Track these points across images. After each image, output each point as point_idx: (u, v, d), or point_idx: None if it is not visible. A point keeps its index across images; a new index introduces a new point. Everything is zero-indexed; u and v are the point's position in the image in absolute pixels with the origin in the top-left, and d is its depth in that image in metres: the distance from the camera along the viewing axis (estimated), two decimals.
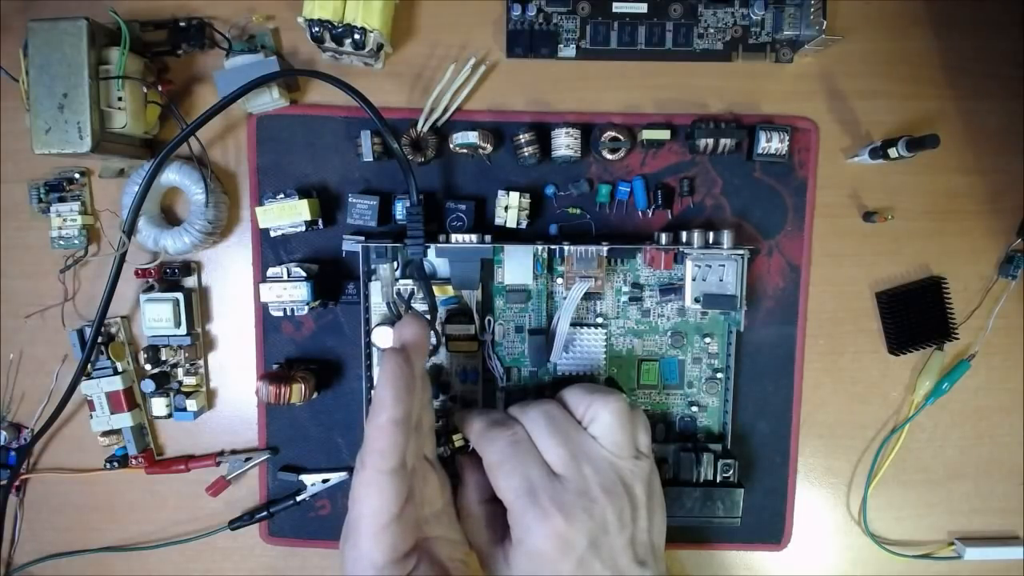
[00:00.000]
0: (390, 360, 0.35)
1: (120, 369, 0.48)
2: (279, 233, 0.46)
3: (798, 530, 0.50)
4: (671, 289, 0.47)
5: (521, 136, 0.45)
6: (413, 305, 0.45)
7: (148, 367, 0.48)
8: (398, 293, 0.45)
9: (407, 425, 0.35)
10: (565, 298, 0.45)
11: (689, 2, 0.47)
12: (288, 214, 0.45)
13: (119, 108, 0.43)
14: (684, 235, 0.46)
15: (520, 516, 0.36)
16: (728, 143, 0.46)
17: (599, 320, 0.47)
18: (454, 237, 0.45)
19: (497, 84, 0.48)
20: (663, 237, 0.46)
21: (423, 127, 0.46)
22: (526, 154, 0.46)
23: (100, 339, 0.47)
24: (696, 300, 0.44)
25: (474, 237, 0.44)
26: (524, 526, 0.36)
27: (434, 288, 0.45)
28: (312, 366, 0.48)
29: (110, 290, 0.45)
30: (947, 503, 0.51)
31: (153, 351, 0.48)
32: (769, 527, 0.50)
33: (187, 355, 0.48)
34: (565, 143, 0.45)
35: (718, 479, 0.46)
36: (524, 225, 0.47)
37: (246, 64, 0.44)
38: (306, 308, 0.45)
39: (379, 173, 0.48)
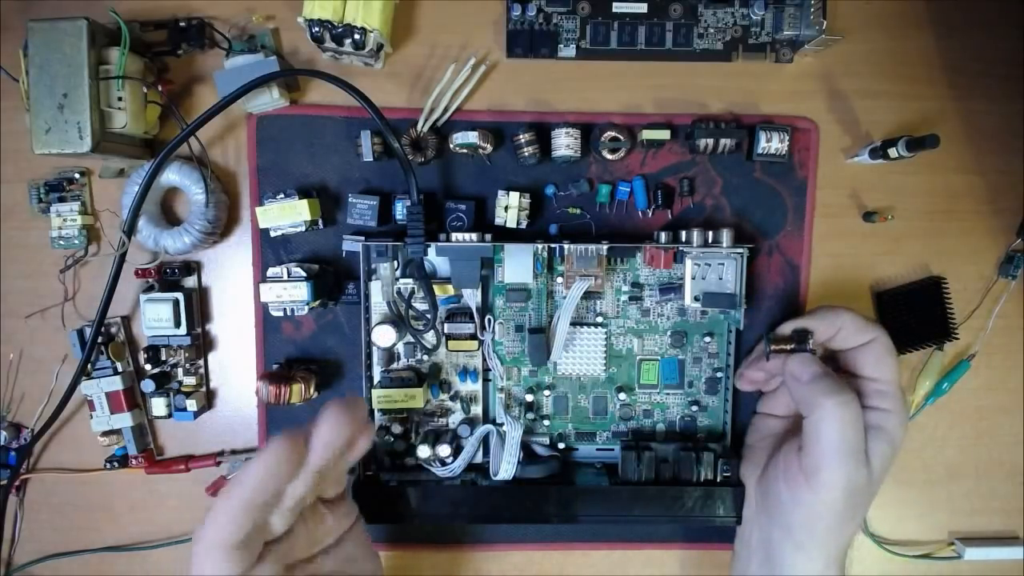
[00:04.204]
0: (275, 444, 0.33)
1: (120, 369, 0.48)
2: (279, 233, 0.46)
3: None
4: (671, 288, 0.47)
5: (521, 136, 0.45)
6: (414, 304, 0.45)
7: (148, 367, 0.48)
8: (398, 292, 0.45)
9: (262, 510, 0.33)
10: (565, 297, 0.45)
11: (689, 2, 0.47)
12: (288, 214, 0.45)
13: (119, 108, 0.43)
14: (684, 234, 0.46)
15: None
16: (728, 143, 0.46)
17: (599, 319, 0.47)
18: (454, 236, 0.45)
19: (497, 84, 0.48)
20: (663, 236, 0.46)
21: (423, 127, 0.46)
22: (526, 154, 0.46)
23: (100, 339, 0.47)
24: (696, 299, 0.44)
25: (474, 236, 0.44)
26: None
27: (434, 287, 0.45)
28: (312, 366, 0.48)
29: (110, 290, 0.45)
30: (947, 503, 0.51)
31: (153, 351, 0.48)
32: None
33: (187, 355, 0.48)
34: (565, 143, 0.45)
35: (718, 479, 0.46)
36: (524, 225, 0.47)
37: (246, 64, 0.44)
38: (306, 308, 0.45)
39: (379, 173, 0.48)
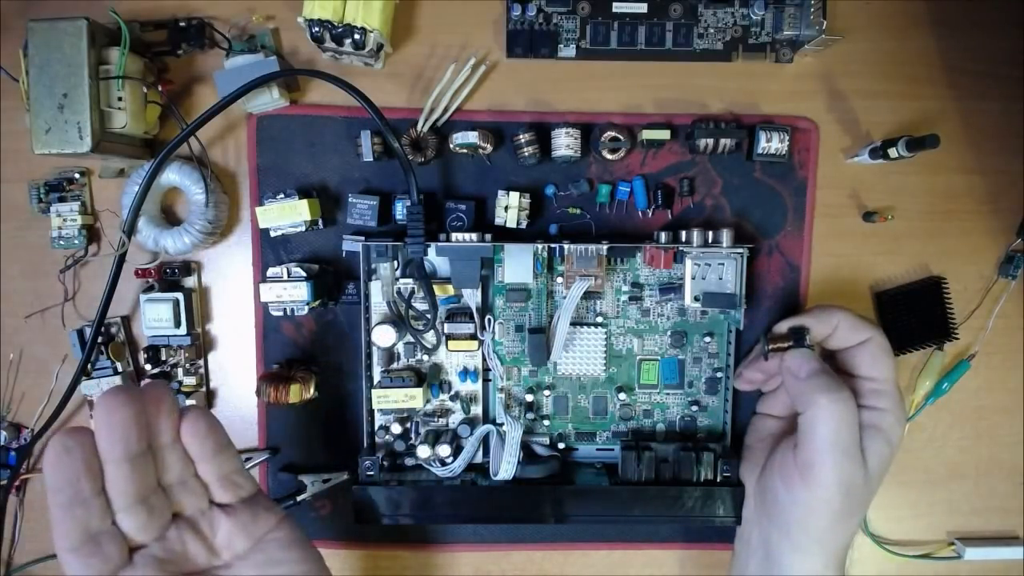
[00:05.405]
0: (51, 441, 0.32)
1: (120, 369, 0.48)
2: (279, 233, 0.46)
3: None
4: (671, 288, 0.47)
5: (521, 136, 0.45)
6: (414, 304, 0.45)
7: (148, 367, 0.48)
8: (398, 292, 0.45)
9: (81, 511, 0.32)
10: (565, 297, 0.45)
11: (689, 2, 0.47)
12: (288, 214, 0.45)
13: (119, 108, 0.43)
14: (684, 234, 0.46)
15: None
16: (728, 143, 0.46)
17: (599, 319, 0.47)
18: (454, 236, 0.45)
19: (497, 84, 0.48)
20: (663, 236, 0.46)
21: (423, 127, 0.46)
22: (526, 154, 0.46)
23: (100, 339, 0.47)
24: (696, 299, 0.44)
25: (474, 236, 0.44)
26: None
27: (434, 287, 0.45)
28: (312, 366, 0.48)
29: (110, 290, 0.45)
30: (947, 503, 0.51)
31: (153, 351, 0.48)
32: None
33: (187, 355, 0.48)
34: (565, 143, 0.45)
35: (718, 479, 0.46)
36: (524, 225, 0.47)
37: (246, 64, 0.44)
38: (306, 308, 0.45)
39: (379, 173, 0.48)
